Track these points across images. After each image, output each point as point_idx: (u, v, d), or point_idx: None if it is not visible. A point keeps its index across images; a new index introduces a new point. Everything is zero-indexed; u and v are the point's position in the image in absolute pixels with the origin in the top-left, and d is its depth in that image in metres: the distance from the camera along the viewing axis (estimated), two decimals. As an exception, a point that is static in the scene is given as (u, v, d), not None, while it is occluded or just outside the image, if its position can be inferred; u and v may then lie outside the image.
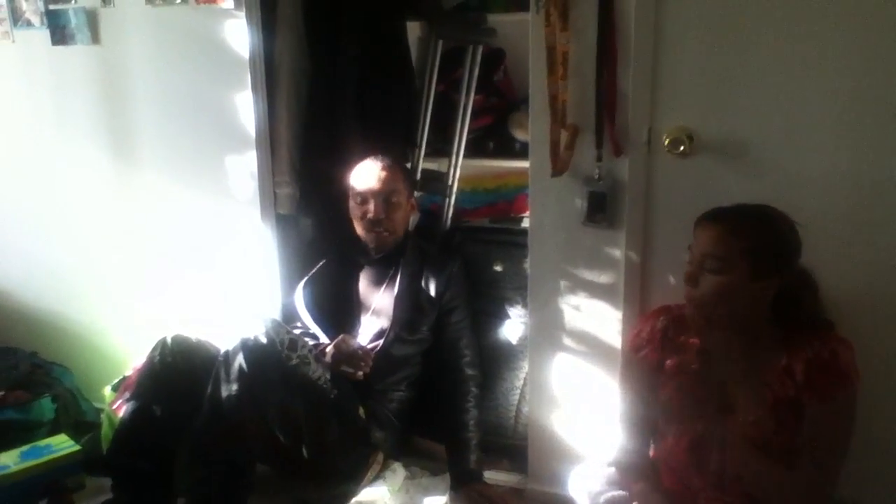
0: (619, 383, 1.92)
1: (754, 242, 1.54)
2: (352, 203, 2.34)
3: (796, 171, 1.80)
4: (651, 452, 1.81)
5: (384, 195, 2.28)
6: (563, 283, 2.08)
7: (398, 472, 2.19)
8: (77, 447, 2.23)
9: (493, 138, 2.66)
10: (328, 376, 2.04)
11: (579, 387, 2.13)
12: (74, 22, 2.52)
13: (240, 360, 1.89)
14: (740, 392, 1.63)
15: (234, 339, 1.94)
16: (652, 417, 1.76)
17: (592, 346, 2.08)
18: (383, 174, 2.29)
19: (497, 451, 2.36)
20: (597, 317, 2.06)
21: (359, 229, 2.33)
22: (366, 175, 2.30)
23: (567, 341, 2.11)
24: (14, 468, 2.11)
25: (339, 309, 2.33)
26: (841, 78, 1.73)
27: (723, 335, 1.65)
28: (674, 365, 1.70)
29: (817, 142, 1.78)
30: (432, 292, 2.27)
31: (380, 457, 2.18)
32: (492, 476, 2.27)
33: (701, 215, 1.62)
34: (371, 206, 2.28)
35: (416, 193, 2.51)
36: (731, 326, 1.63)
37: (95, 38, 2.52)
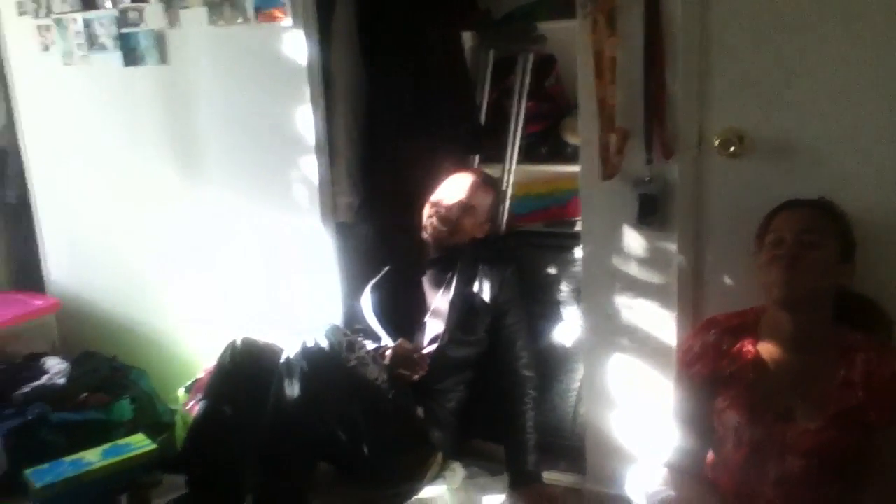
0: (674, 388, 1.92)
1: (841, 225, 1.63)
2: (429, 206, 2.42)
3: (849, 171, 1.78)
4: (710, 457, 1.81)
5: (463, 204, 2.37)
6: (616, 285, 2.09)
7: (457, 471, 2.23)
8: (153, 446, 2.34)
9: (546, 143, 2.69)
10: (385, 377, 2.11)
11: (635, 387, 2.13)
12: (144, 44, 2.66)
13: (301, 363, 1.97)
14: (799, 400, 1.61)
15: (296, 343, 2.02)
16: (708, 422, 1.76)
17: (647, 346, 2.08)
18: (472, 185, 2.42)
19: (555, 452, 2.38)
20: (651, 317, 2.06)
21: (425, 227, 2.41)
22: (456, 184, 2.42)
23: (621, 342, 2.11)
24: (97, 465, 2.23)
25: (403, 313, 2.40)
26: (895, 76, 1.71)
27: (779, 343, 1.65)
28: (729, 376, 1.69)
29: (870, 141, 1.75)
30: (486, 296, 2.31)
31: (439, 457, 2.22)
32: (550, 476, 2.29)
33: (782, 203, 1.68)
34: (445, 207, 2.38)
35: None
36: (809, 318, 1.62)
37: (163, 58, 2.65)
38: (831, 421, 1.56)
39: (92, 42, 2.78)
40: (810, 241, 1.59)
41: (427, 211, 2.42)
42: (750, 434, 1.64)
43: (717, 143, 1.87)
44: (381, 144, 2.58)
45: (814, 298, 1.61)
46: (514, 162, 2.63)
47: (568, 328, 2.41)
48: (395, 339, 2.30)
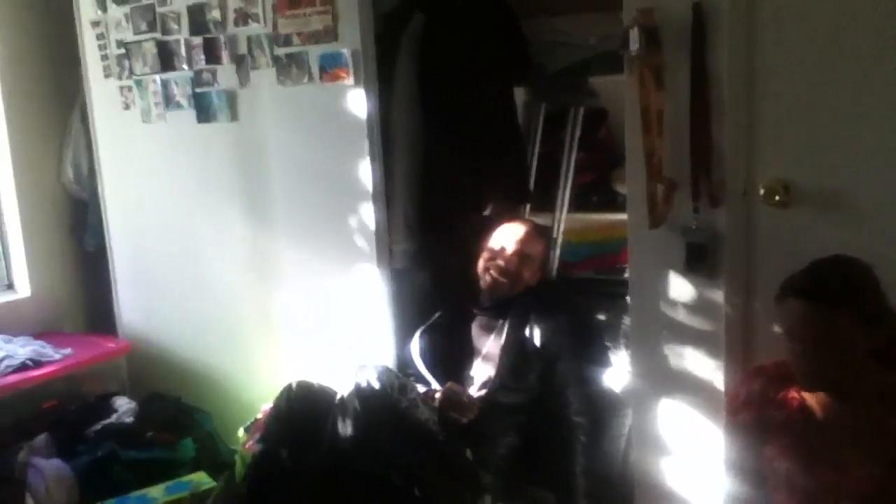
0: (724, 435, 1.92)
1: (861, 298, 1.54)
2: (486, 255, 2.48)
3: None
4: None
5: (520, 254, 2.43)
6: (664, 332, 2.10)
7: (506, 516, 2.25)
8: (214, 484, 2.43)
9: (597, 193, 2.75)
10: (436, 419, 2.15)
11: (684, 433, 2.12)
12: (217, 102, 2.83)
13: (354, 402, 2.04)
14: (851, 446, 1.60)
15: (350, 385, 2.09)
16: (759, 469, 1.75)
17: (695, 393, 2.07)
18: (526, 235, 2.47)
19: (604, 498, 2.37)
20: (699, 365, 2.05)
21: (484, 277, 2.46)
22: (511, 234, 2.47)
23: (670, 388, 2.11)
24: (161, 501, 2.33)
25: (452, 357, 2.46)
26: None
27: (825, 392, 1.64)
28: (777, 424, 1.69)
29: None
30: (537, 342, 2.35)
31: (487, 500, 2.25)
32: (599, 524, 2.28)
33: (792, 285, 1.60)
34: (505, 259, 2.43)
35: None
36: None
37: (234, 115, 2.80)
38: (888, 466, 1.54)
39: (168, 101, 2.97)
40: (824, 338, 1.54)
41: (484, 261, 2.48)
42: (802, 482, 1.63)
43: (762, 192, 1.90)
44: (435, 194, 2.67)
45: (844, 376, 1.59)
46: (565, 211, 2.69)
47: (617, 374, 2.42)
48: (442, 384, 2.35)
